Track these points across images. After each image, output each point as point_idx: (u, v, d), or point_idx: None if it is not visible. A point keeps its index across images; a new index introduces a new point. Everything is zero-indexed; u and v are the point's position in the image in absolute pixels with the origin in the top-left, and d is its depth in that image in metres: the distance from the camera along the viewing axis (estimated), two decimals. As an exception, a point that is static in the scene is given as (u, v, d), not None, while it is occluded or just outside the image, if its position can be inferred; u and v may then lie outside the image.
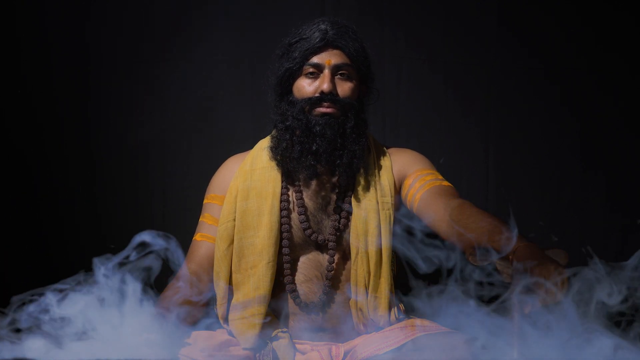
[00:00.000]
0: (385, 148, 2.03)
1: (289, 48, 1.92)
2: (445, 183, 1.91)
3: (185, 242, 2.03)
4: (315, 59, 1.89)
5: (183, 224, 2.48)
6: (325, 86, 1.87)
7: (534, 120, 2.60)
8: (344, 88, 1.90)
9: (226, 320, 1.89)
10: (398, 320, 1.89)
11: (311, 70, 1.89)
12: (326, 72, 1.88)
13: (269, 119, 2.00)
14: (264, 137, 2.04)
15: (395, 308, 1.90)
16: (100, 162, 2.58)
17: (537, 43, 2.59)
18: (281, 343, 1.83)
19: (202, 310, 1.90)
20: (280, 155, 1.93)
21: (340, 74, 1.90)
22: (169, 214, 2.57)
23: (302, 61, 1.89)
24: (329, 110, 1.88)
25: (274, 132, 1.97)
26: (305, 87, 1.90)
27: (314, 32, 1.89)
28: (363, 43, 1.95)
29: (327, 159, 1.88)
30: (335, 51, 1.90)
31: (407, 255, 1.76)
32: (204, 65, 2.58)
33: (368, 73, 1.96)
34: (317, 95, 1.88)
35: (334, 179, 1.94)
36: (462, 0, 2.61)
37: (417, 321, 1.87)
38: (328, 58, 1.89)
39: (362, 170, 1.94)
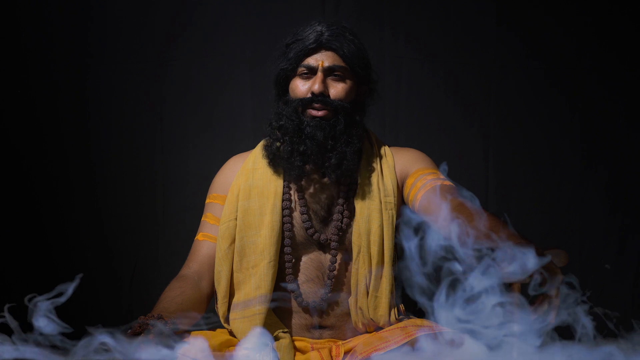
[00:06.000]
0: (388, 147, 2.03)
1: (286, 49, 1.92)
2: (447, 182, 1.91)
3: (187, 242, 2.03)
4: (308, 61, 1.89)
5: (184, 223, 2.49)
6: (316, 87, 1.87)
7: (534, 120, 2.60)
8: (337, 89, 1.90)
9: (227, 319, 1.89)
10: (398, 320, 1.89)
11: (305, 71, 1.90)
12: (319, 73, 1.88)
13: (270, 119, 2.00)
14: (266, 137, 2.04)
15: (396, 308, 1.90)
16: (100, 162, 2.58)
17: (537, 43, 2.59)
18: (281, 343, 1.83)
19: (203, 310, 1.90)
20: (272, 154, 1.93)
21: (334, 76, 1.90)
22: (170, 214, 2.58)
23: (297, 62, 1.89)
24: (319, 113, 1.88)
25: (269, 130, 1.98)
26: (299, 87, 1.90)
27: (309, 34, 1.89)
28: (361, 44, 1.94)
29: (315, 160, 1.88)
30: (328, 53, 1.89)
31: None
32: (204, 65, 2.58)
33: (367, 74, 1.96)
34: (308, 96, 1.89)
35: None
36: (462, 0, 2.61)
37: (418, 321, 1.87)
38: (321, 60, 1.89)
39: (365, 170, 1.93)
